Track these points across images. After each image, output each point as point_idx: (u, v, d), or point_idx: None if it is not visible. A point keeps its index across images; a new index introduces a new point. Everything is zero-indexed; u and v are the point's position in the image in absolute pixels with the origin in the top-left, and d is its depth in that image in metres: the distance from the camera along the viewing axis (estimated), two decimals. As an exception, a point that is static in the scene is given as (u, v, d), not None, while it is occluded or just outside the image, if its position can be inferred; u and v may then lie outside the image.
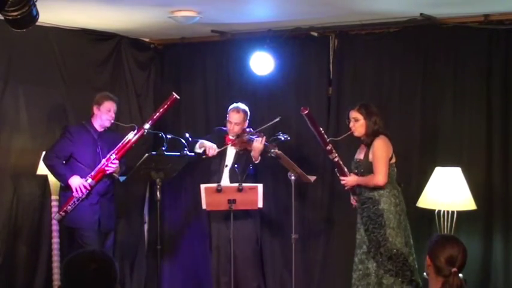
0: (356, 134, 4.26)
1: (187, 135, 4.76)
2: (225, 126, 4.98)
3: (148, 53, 5.85)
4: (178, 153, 4.62)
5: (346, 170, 4.36)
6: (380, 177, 4.11)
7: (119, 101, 4.97)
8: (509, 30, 4.41)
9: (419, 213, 4.44)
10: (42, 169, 4.75)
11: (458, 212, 4.21)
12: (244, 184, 4.54)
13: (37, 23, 3.13)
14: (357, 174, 4.30)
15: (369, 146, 4.22)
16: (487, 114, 4.52)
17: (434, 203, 4.26)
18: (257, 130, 4.77)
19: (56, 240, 4.91)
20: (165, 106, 4.73)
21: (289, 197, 4.59)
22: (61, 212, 4.54)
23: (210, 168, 4.95)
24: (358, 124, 4.23)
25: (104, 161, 4.59)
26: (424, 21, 4.58)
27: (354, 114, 4.25)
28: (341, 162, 4.37)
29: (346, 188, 4.42)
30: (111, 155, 4.59)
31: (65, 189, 4.58)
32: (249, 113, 4.87)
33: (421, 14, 4.47)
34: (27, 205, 4.92)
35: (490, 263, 4.50)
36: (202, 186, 4.54)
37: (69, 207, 4.51)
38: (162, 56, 5.91)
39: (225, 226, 4.74)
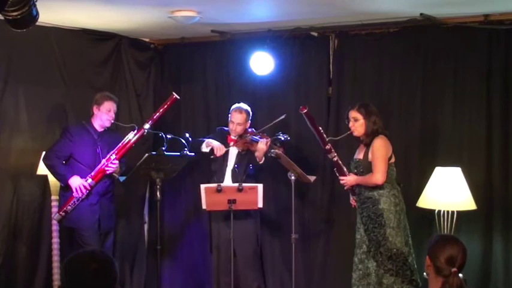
0: (355, 133, 4.27)
1: (187, 135, 4.76)
2: (226, 126, 4.98)
3: (148, 53, 5.85)
4: (178, 153, 4.62)
5: (345, 169, 4.36)
6: (379, 176, 4.11)
7: (119, 101, 4.97)
8: (509, 30, 4.41)
9: (419, 213, 4.44)
10: (42, 169, 4.75)
11: (458, 212, 4.21)
12: (244, 184, 4.54)
13: (37, 23, 3.14)
14: (356, 174, 4.30)
15: (368, 145, 4.22)
16: (487, 114, 4.52)
17: (434, 203, 4.26)
18: (262, 129, 4.75)
19: (56, 240, 4.91)
20: (165, 106, 4.74)
21: (289, 197, 4.59)
22: (61, 212, 4.55)
23: (210, 168, 4.95)
24: (357, 124, 4.23)
25: (104, 161, 4.59)
26: (424, 21, 4.58)
27: (353, 114, 4.25)
28: (340, 162, 4.37)
29: (345, 188, 4.42)
30: (111, 155, 4.59)
31: (65, 189, 4.59)
32: (251, 113, 4.87)
33: (421, 14, 4.47)
34: (27, 205, 4.92)
35: (490, 263, 4.50)
36: (202, 186, 4.54)
37: (69, 207, 4.52)
38: (162, 56, 5.91)
39: (226, 226, 4.73)
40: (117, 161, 4.60)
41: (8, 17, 2.92)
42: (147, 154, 4.57)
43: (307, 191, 5.14)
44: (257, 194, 4.51)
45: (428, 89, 4.74)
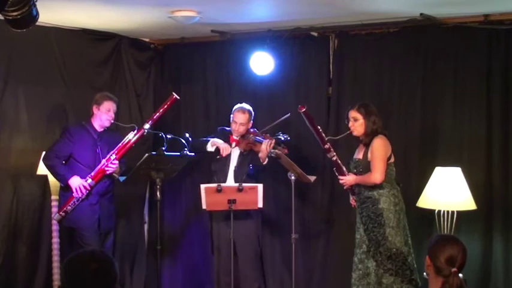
0: (355, 133, 4.27)
1: (187, 135, 4.76)
2: (226, 126, 4.98)
3: (148, 53, 5.85)
4: (178, 153, 4.62)
5: (344, 169, 4.36)
6: (377, 175, 4.11)
7: (119, 101, 4.97)
8: (509, 30, 4.41)
9: (419, 213, 4.44)
10: (42, 169, 4.75)
11: (458, 212, 4.21)
12: (244, 184, 4.53)
13: (37, 23, 3.14)
14: (355, 174, 4.30)
15: (367, 145, 4.23)
16: (487, 114, 4.52)
17: (434, 203, 4.26)
18: (265, 129, 4.73)
19: (56, 240, 4.91)
20: (165, 106, 4.74)
21: (289, 197, 4.59)
22: (61, 213, 4.54)
23: (210, 168, 4.94)
24: (357, 124, 4.24)
25: (103, 161, 4.59)
26: (424, 21, 4.58)
27: (353, 113, 4.25)
28: (339, 162, 4.37)
29: (345, 188, 4.42)
30: (111, 155, 4.59)
31: (65, 189, 4.59)
32: (253, 113, 4.87)
33: (421, 14, 4.47)
34: (27, 205, 4.92)
35: (490, 263, 4.50)
36: (202, 186, 4.54)
37: (69, 207, 4.52)
38: (162, 56, 5.91)
39: (226, 226, 4.73)
40: (117, 161, 4.60)
41: (8, 17, 2.92)
42: (147, 154, 4.57)
43: (307, 191, 5.14)
44: (257, 194, 4.51)
45: (428, 89, 4.74)
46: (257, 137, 4.74)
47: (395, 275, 4.10)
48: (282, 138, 4.59)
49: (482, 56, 4.52)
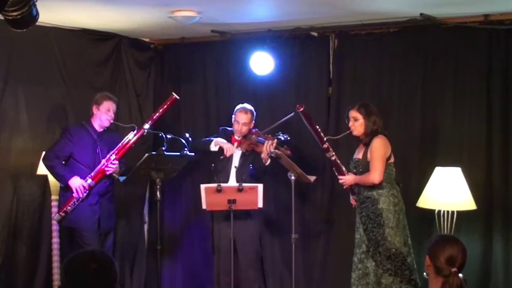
0: (355, 133, 4.27)
1: (187, 135, 4.76)
2: (226, 126, 4.98)
3: (148, 53, 5.85)
4: (178, 153, 4.62)
5: (344, 168, 4.36)
6: (376, 175, 4.12)
7: (119, 101, 4.97)
8: (509, 30, 4.41)
9: (419, 213, 4.44)
10: (42, 169, 4.75)
11: (458, 212, 4.21)
12: (244, 184, 4.54)
13: (37, 23, 3.14)
14: (355, 173, 4.30)
15: (367, 145, 4.23)
16: (487, 114, 4.52)
17: (434, 203, 4.26)
18: (268, 129, 4.72)
19: (56, 240, 4.91)
20: (165, 106, 4.74)
21: (289, 197, 4.58)
22: (61, 213, 4.54)
23: (211, 168, 4.94)
24: (357, 123, 4.24)
25: (103, 161, 4.59)
26: (424, 21, 4.58)
27: (353, 113, 4.25)
28: (338, 161, 4.37)
29: (344, 187, 4.42)
30: (111, 155, 4.59)
31: (65, 189, 4.58)
32: (255, 113, 4.87)
33: (421, 14, 4.47)
34: (27, 205, 4.92)
35: (490, 263, 4.50)
36: (202, 186, 4.54)
37: (69, 207, 4.51)
38: (162, 56, 5.91)
39: (226, 226, 4.72)
40: (117, 161, 4.60)
41: (8, 17, 2.92)
42: (147, 154, 4.57)
43: (307, 191, 5.14)
44: (257, 194, 4.51)
45: (428, 89, 4.74)
46: (259, 138, 4.74)
47: (395, 275, 4.10)
48: (282, 138, 4.58)
49: (482, 56, 4.52)
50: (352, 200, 4.47)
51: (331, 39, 5.13)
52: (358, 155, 4.33)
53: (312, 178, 4.59)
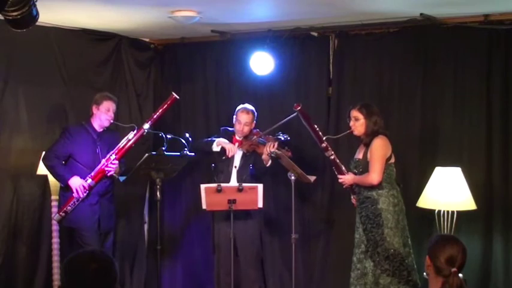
0: (356, 133, 4.28)
1: (187, 135, 4.75)
2: (226, 126, 4.98)
3: (148, 53, 5.85)
4: (178, 153, 4.62)
5: (343, 168, 4.36)
6: (374, 175, 4.12)
7: (119, 101, 4.98)
8: (509, 30, 4.41)
9: (419, 213, 4.44)
10: (42, 169, 4.75)
11: (458, 212, 4.21)
12: (244, 184, 4.54)
13: (37, 23, 3.14)
14: (355, 173, 4.30)
15: (367, 145, 4.23)
16: (487, 114, 4.52)
17: (434, 203, 4.25)
18: (270, 129, 4.70)
19: (56, 240, 4.91)
20: (165, 106, 4.74)
21: (289, 197, 4.59)
22: (61, 213, 4.54)
23: (212, 168, 4.94)
24: (358, 123, 4.24)
25: (103, 161, 4.59)
26: (424, 21, 4.58)
27: (354, 113, 4.25)
28: (338, 161, 4.37)
29: (344, 187, 4.42)
30: (111, 155, 4.59)
31: (65, 189, 4.58)
32: (256, 113, 4.87)
33: (421, 14, 4.47)
34: (27, 205, 4.92)
35: (490, 263, 4.50)
36: (202, 186, 4.54)
37: (69, 207, 4.51)
38: (162, 56, 5.91)
39: (227, 226, 4.72)
40: (116, 161, 4.60)
41: (8, 17, 2.92)
42: (147, 154, 4.57)
43: (307, 191, 5.13)
44: (257, 194, 4.51)
45: (428, 89, 4.74)
46: (260, 139, 4.74)
47: (392, 275, 4.10)
48: (282, 139, 4.59)
49: (482, 56, 4.52)
50: (353, 200, 4.47)
51: (331, 39, 5.13)
52: (359, 155, 4.33)
53: (312, 178, 4.59)
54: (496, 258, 4.47)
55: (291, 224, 4.55)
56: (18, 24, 2.98)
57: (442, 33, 4.65)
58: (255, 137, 4.77)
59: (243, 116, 4.78)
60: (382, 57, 4.93)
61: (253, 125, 4.86)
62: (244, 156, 4.82)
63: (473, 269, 4.38)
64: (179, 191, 5.76)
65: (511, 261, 4.44)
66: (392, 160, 4.24)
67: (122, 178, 4.70)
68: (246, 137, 4.83)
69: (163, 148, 4.57)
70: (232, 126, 4.89)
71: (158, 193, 4.59)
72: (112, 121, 4.73)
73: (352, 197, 4.48)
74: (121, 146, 4.62)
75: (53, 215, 4.77)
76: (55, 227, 4.87)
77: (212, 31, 5.29)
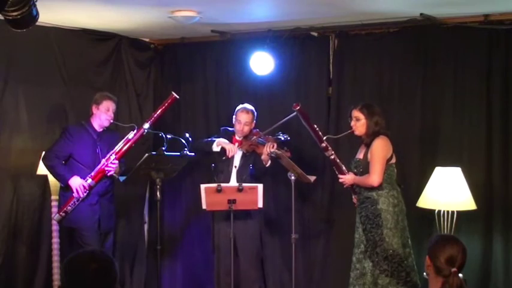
0: (357, 133, 4.28)
1: (187, 135, 4.76)
2: (226, 126, 4.98)
3: (148, 53, 5.85)
4: (178, 153, 4.62)
5: (344, 168, 4.36)
6: (375, 177, 4.11)
7: (119, 101, 4.98)
8: (509, 30, 4.41)
9: (419, 213, 4.44)
10: (42, 169, 4.75)
11: (458, 212, 4.21)
12: (244, 184, 4.54)
13: (37, 23, 3.14)
14: (356, 173, 4.30)
15: (368, 145, 4.22)
16: (487, 114, 4.52)
17: (434, 203, 4.25)
18: (269, 129, 4.70)
19: (56, 240, 4.91)
20: (165, 106, 4.74)
21: (289, 197, 4.58)
22: (61, 213, 4.54)
23: (212, 168, 4.94)
24: (359, 124, 4.24)
25: (103, 161, 4.59)
26: (424, 21, 4.58)
27: (355, 113, 4.25)
28: (338, 160, 4.37)
29: (344, 186, 4.42)
30: (111, 155, 4.59)
31: (65, 189, 4.58)
32: (255, 113, 4.87)
33: (421, 14, 4.47)
34: (27, 205, 4.92)
35: (490, 263, 4.49)
36: (202, 186, 4.54)
37: (69, 207, 4.51)
38: (162, 56, 5.91)
39: (227, 226, 4.72)
40: (116, 161, 4.60)
41: (8, 17, 2.92)
42: (147, 154, 4.57)
43: (307, 191, 5.13)
44: (257, 194, 4.51)
45: (428, 89, 4.74)
46: (260, 139, 4.73)
47: (391, 276, 4.09)
48: (282, 138, 4.59)
49: (482, 56, 4.51)
50: (354, 199, 4.47)
51: (331, 39, 5.13)
52: (359, 155, 4.32)
53: (312, 178, 4.59)
54: (496, 258, 4.47)
55: (291, 224, 4.55)
56: (18, 24, 2.98)
57: (442, 33, 4.65)
58: (254, 137, 4.77)
59: (243, 116, 4.79)
60: (382, 57, 4.93)
61: (253, 125, 4.86)
62: (244, 156, 4.83)
63: (473, 269, 4.38)
64: (179, 191, 5.76)
65: (511, 261, 4.44)
66: (393, 160, 4.24)
67: (122, 178, 4.70)
68: (245, 137, 4.83)
69: (163, 148, 4.57)
70: (232, 126, 4.89)
71: (158, 193, 4.59)
72: (112, 121, 4.72)
73: (353, 196, 4.48)
74: (121, 146, 4.61)
75: (53, 215, 4.77)
76: (55, 227, 4.87)
77: (212, 31, 5.29)
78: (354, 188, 4.40)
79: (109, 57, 5.53)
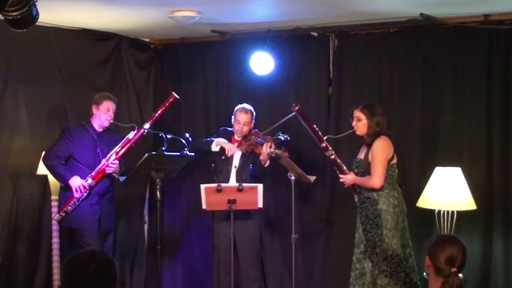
0: (358, 132, 4.28)
1: (187, 135, 4.75)
2: (226, 126, 4.98)
3: (148, 53, 5.85)
4: (178, 153, 4.62)
5: (344, 167, 4.36)
6: (376, 179, 4.11)
7: (119, 101, 4.97)
8: (509, 30, 4.41)
9: (419, 213, 4.44)
10: (42, 169, 4.75)
11: (458, 212, 4.21)
12: (244, 184, 4.54)
13: (37, 23, 3.14)
14: (357, 174, 4.30)
15: (369, 146, 4.22)
16: (487, 114, 4.52)
17: (434, 203, 4.25)
18: (269, 129, 4.70)
19: (56, 240, 4.91)
20: (165, 106, 4.74)
21: (289, 197, 4.58)
22: (61, 213, 4.54)
23: (211, 168, 4.94)
24: (360, 124, 4.24)
25: (103, 161, 4.59)
26: (424, 21, 4.58)
27: (357, 113, 4.25)
28: (338, 160, 4.37)
29: (345, 186, 4.42)
30: (111, 155, 4.59)
31: (65, 189, 4.58)
32: (254, 113, 4.87)
33: (421, 14, 4.47)
34: (27, 205, 4.93)
35: (490, 263, 4.49)
36: (202, 186, 4.54)
37: (69, 207, 4.51)
38: (162, 56, 5.91)
39: (227, 226, 4.72)
40: (117, 161, 4.60)
41: (8, 17, 2.92)
42: (147, 154, 4.57)
43: (307, 191, 5.13)
44: (257, 194, 4.51)
45: (428, 89, 4.74)
46: (258, 139, 4.73)
47: (390, 276, 4.09)
48: (282, 138, 4.58)
49: (482, 56, 4.51)
50: (356, 199, 4.46)
51: (331, 39, 5.13)
52: (361, 155, 4.32)
53: (312, 178, 4.59)
54: (496, 258, 4.47)
55: (291, 224, 4.55)
56: (18, 24, 2.98)
57: (442, 33, 4.65)
58: (253, 137, 4.77)
59: (242, 116, 4.79)
60: (382, 57, 4.93)
61: (252, 124, 4.86)
62: (243, 156, 4.83)
63: (473, 269, 4.38)
64: (179, 191, 5.76)
65: (511, 261, 4.44)
66: (395, 161, 4.24)
67: (122, 178, 4.70)
68: (245, 137, 4.83)
69: (163, 148, 4.57)
70: (231, 126, 4.89)
71: (158, 193, 4.59)
72: (112, 121, 4.73)
73: (355, 196, 4.48)
74: (121, 146, 4.61)
75: (53, 215, 4.77)
76: (55, 227, 4.87)
77: (212, 31, 5.29)
78: (355, 188, 4.39)
79: (109, 57, 5.52)
